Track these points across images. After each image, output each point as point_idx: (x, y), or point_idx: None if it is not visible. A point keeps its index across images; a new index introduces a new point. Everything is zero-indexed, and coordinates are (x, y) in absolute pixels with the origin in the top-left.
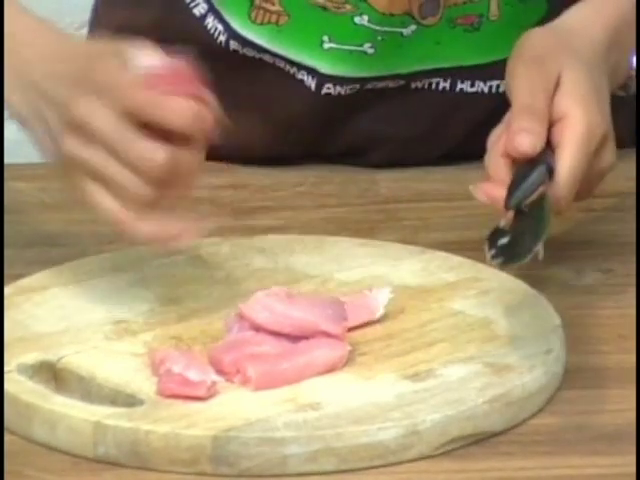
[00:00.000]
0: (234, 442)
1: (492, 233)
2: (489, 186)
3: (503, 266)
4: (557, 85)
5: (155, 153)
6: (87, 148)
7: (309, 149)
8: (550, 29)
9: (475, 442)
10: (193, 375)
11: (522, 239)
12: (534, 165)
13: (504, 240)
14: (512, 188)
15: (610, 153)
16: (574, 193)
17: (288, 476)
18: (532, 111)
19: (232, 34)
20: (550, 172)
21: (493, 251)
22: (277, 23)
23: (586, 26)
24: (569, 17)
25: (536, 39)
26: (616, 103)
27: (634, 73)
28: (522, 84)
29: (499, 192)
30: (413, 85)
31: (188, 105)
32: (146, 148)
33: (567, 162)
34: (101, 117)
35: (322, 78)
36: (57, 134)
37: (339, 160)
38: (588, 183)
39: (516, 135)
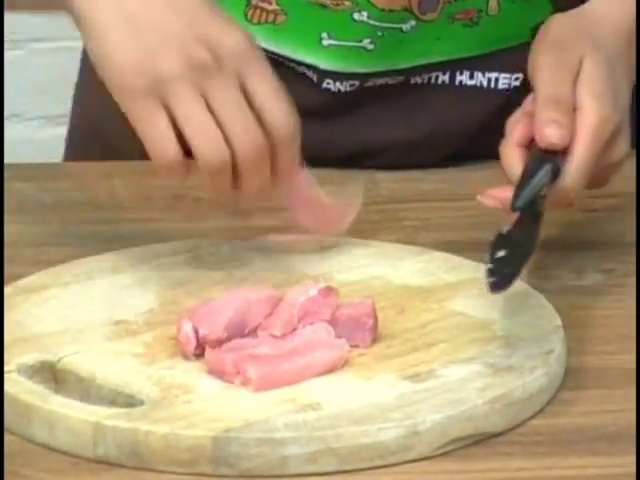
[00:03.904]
0: (234, 443)
1: (495, 241)
2: (497, 190)
3: (494, 291)
4: (577, 73)
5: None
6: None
7: (308, 153)
8: (572, 16)
9: (475, 443)
10: None
11: (515, 255)
12: (541, 164)
13: (502, 252)
14: (519, 188)
15: (623, 144)
16: (583, 186)
17: (288, 477)
18: (558, 101)
19: None
20: (555, 173)
21: (490, 265)
22: (274, 22)
23: (609, 14)
24: (591, 5)
25: (558, 25)
26: None
27: None
28: (546, 72)
29: (508, 194)
30: (412, 81)
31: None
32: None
33: (578, 155)
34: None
35: (322, 74)
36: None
37: (338, 166)
38: (601, 173)
39: (545, 127)
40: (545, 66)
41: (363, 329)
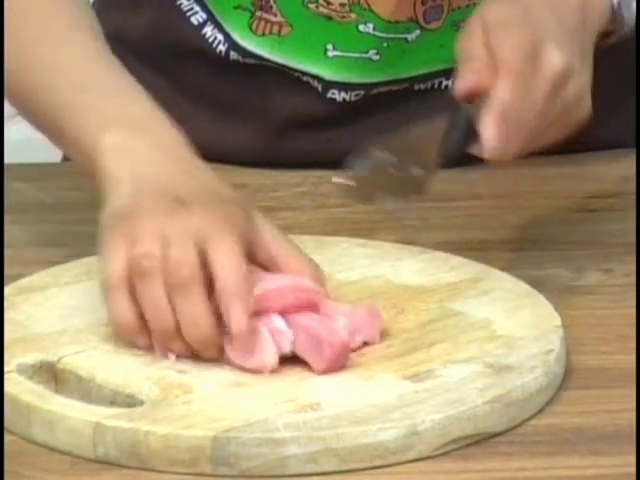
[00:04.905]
0: (234, 443)
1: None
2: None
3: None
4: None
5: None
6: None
7: (309, 158)
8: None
9: (475, 443)
10: None
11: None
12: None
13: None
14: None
15: (575, 85)
16: (508, 135)
17: (288, 477)
18: (474, 57)
19: (232, 45)
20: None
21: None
22: (279, 34)
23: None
24: None
25: (488, 10)
26: (616, 103)
27: (622, 19)
28: (465, 45)
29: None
30: (416, 87)
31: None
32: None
33: (495, 96)
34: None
35: (327, 84)
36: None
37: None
38: (556, 123)
39: (458, 78)
40: (466, 41)
41: (375, 326)
